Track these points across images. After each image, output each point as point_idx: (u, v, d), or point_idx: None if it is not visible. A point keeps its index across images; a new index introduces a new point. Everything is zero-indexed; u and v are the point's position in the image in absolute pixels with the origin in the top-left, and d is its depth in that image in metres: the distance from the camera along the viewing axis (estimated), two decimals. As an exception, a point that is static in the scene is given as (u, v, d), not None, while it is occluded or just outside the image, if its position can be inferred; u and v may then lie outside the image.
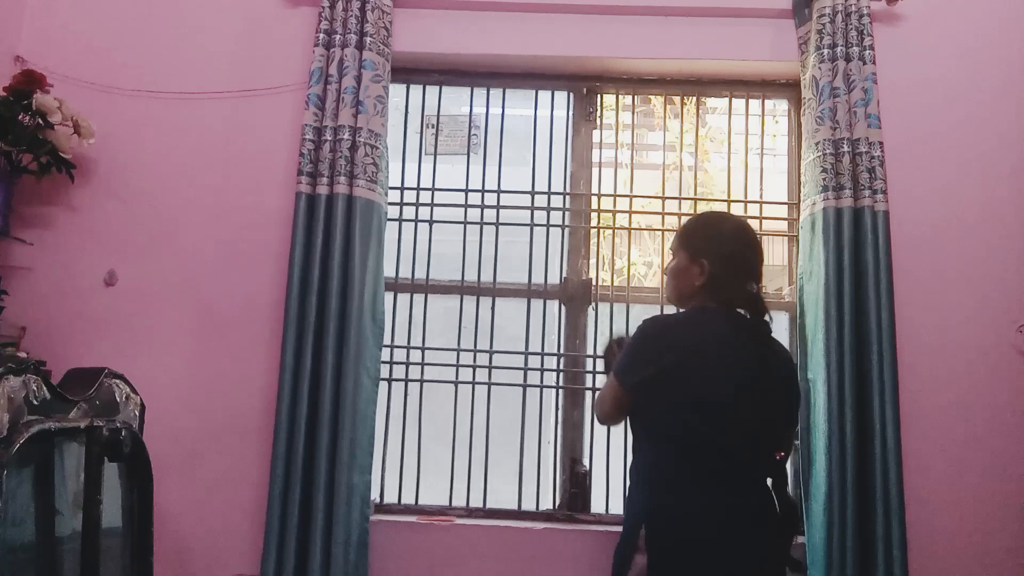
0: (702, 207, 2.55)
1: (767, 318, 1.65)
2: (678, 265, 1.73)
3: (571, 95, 2.54)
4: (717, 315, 1.65)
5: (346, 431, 2.09)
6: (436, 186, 2.49)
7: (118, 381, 1.79)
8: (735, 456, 1.59)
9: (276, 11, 2.44)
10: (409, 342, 2.42)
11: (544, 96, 2.55)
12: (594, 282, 2.43)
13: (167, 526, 2.13)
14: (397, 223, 2.47)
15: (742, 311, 1.66)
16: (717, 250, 1.66)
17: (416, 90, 2.56)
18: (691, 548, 1.55)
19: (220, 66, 2.42)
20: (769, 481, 1.66)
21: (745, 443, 1.59)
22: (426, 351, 2.41)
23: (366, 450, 2.15)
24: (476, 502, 2.33)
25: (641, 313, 2.56)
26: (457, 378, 2.40)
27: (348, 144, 2.22)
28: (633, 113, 2.59)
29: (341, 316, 2.14)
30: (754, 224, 2.47)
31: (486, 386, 2.39)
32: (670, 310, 2.43)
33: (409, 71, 2.52)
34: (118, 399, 1.77)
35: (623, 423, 1.82)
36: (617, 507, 2.30)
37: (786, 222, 2.48)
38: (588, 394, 2.37)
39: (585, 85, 2.53)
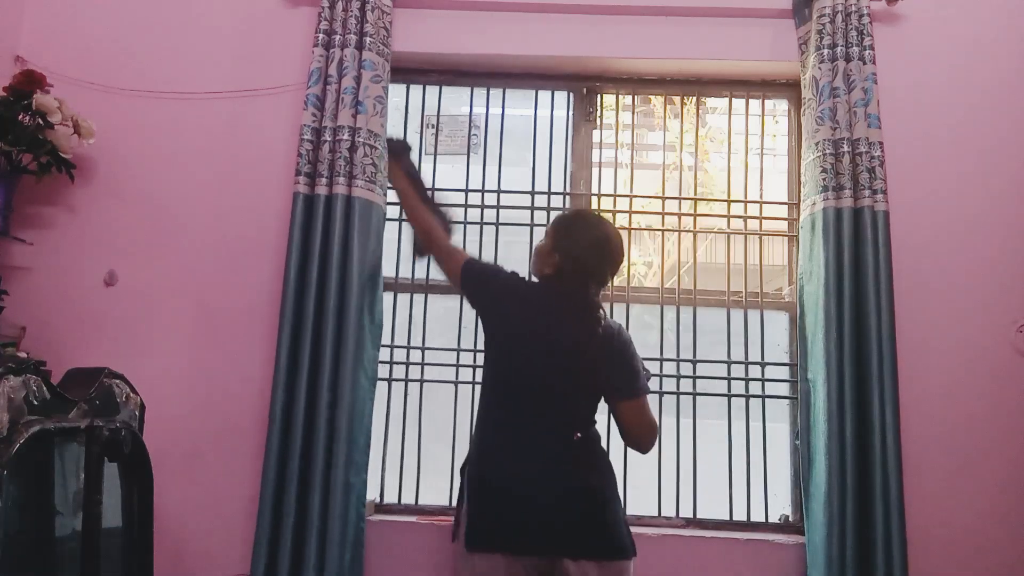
0: (702, 207, 2.55)
1: (599, 314, 1.80)
2: (541, 247, 1.88)
3: (571, 95, 2.55)
4: (554, 290, 1.83)
5: (343, 430, 2.09)
6: (436, 186, 2.49)
7: (118, 381, 1.79)
8: (530, 401, 1.74)
9: (276, 11, 2.44)
10: (409, 342, 2.42)
11: (544, 96, 2.55)
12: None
13: (167, 526, 2.12)
14: (397, 223, 2.47)
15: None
16: (572, 251, 1.81)
17: (416, 90, 2.56)
18: (488, 491, 1.72)
19: (220, 66, 2.42)
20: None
21: (540, 390, 1.74)
22: (426, 351, 2.41)
23: (363, 450, 2.15)
24: (476, 502, 2.33)
25: (641, 313, 2.57)
26: (457, 378, 2.40)
27: (347, 144, 2.22)
28: (633, 113, 2.59)
29: (339, 316, 2.14)
30: (753, 224, 2.48)
31: (486, 386, 2.39)
32: (684, 312, 2.44)
33: (409, 71, 2.52)
34: (118, 399, 1.77)
35: None
36: (617, 507, 2.30)
37: (786, 222, 2.48)
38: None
39: (585, 85, 2.53)
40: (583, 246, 1.81)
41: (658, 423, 1.86)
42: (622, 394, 1.80)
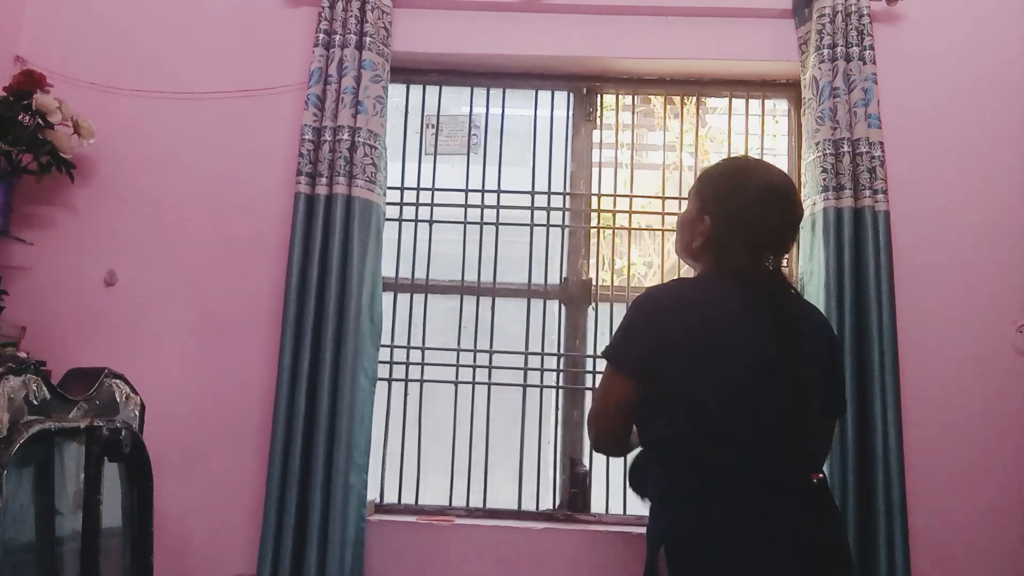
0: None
1: (793, 292, 1.38)
2: (686, 216, 1.47)
3: (571, 95, 2.54)
4: (724, 282, 1.36)
5: (343, 431, 2.09)
6: (436, 186, 2.49)
7: (118, 381, 1.79)
8: (757, 463, 1.26)
9: (276, 11, 2.44)
10: (409, 342, 2.42)
11: (544, 96, 2.55)
12: (594, 282, 2.43)
13: (167, 526, 2.13)
14: (397, 223, 2.47)
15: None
16: (725, 207, 1.37)
17: (416, 90, 2.56)
18: None
19: (220, 66, 2.42)
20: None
21: (769, 444, 1.26)
22: (426, 351, 2.41)
23: (363, 450, 2.15)
24: (476, 502, 2.33)
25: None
26: (457, 378, 2.40)
27: (347, 144, 2.22)
28: (633, 113, 2.59)
29: (339, 316, 2.14)
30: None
31: (486, 386, 2.39)
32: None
33: (409, 71, 2.52)
34: (118, 399, 1.77)
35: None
36: (617, 507, 2.30)
37: (786, 222, 2.47)
38: (588, 394, 2.37)
39: (585, 85, 2.53)
40: (742, 198, 1.36)
41: None
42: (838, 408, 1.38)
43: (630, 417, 1.38)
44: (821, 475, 1.30)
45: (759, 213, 1.36)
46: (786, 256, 1.46)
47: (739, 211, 1.38)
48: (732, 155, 1.93)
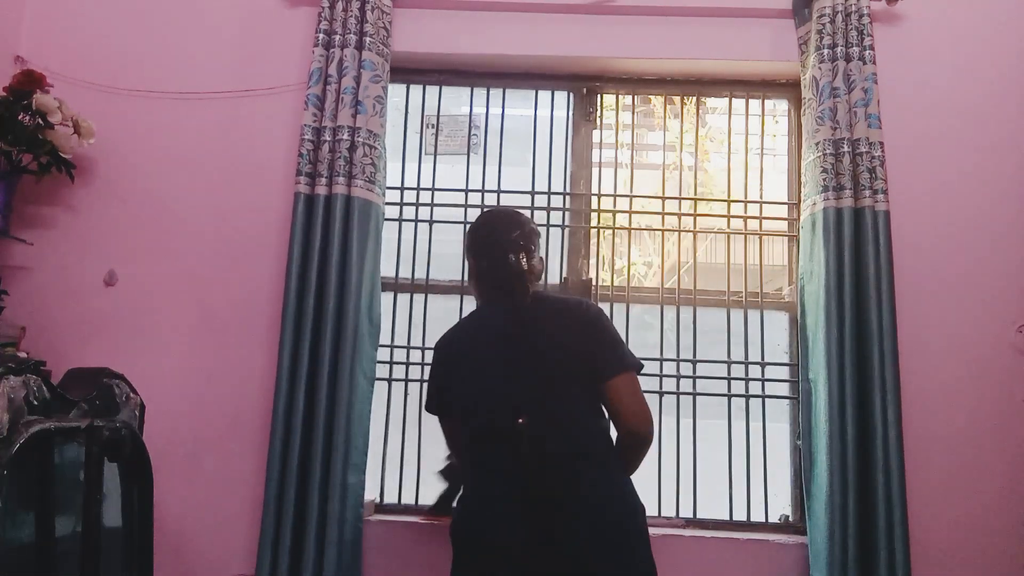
0: (702, 207, 2.55)
1: (519, 301, 1.67)
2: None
3: (571, 95, 2.54)
4: (478, 313, 1.78)
5: (341, 431, 2.09)
6: (436, 186, 2.49)
7: (118, 381, 1.79)
8: (499, 433, 1.59)
9: (276, 11, 2.44)
10: (409, 342, 2.42)
11: (544, 96, 2.55)
12: (594, 282, 2.43)
13: (167, 526, 2.13)
14: (397, 223, 2.47)
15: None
16: (466, 257, 1.78)
17: (416, 90, 2.56)
18: (461, 542, 1.60)
19: (220, 66, 2.42)
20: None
21: (505, 414, 1.59)
22: (426, 351, 2.41)
23: (361, 450, 2.15)
24: (476, 502, 2.33)
25: (641, 313, 2.57)
26: (457, 378, 2.40)
27: (347, 144, 2.22)
28: (633, 113, 2.59)
29: (338, 316, 2.14)
30: (753, 224, 2.48)
31: (486, 386, 2.38)
32: (684, 312, 2.43)
33: (409, 71, 2.52)
34: (118, 399, 1.77)
35: None
36: (617, 507, 2.30)
37: (786, 222, 2.48)
38: (588, 394, 2.36)
39: (585, 85, 2.53)
40: (470, 236, 1.81)
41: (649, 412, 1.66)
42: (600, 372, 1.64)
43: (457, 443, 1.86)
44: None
45: (473, 242, 1.79)
46: (521, 259, 1.73)
47: (470, 246, 1.80)
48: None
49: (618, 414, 1.63)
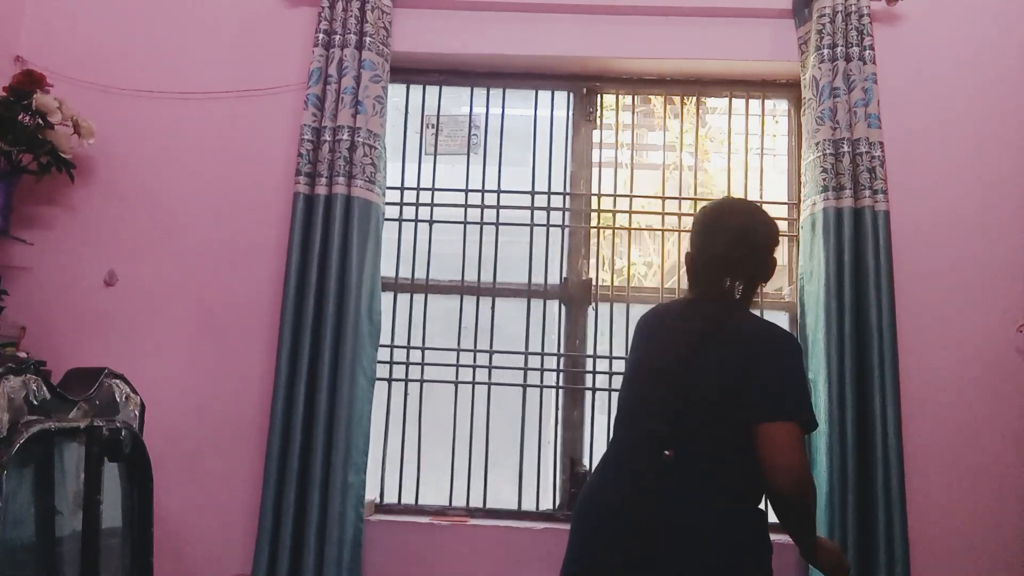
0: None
1: (727, 308, 1.52)
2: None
3: (571, 95, 2.54)
4: (680, 301, 1.64)
5: (341, 431, 2.09)
6: (436, 186, 2.49)
7: (118, 381, 1.79)
8: (641, 430, 1.48)
9: (276, 11, 2.44)
10: (409, 342, 2.42)
11: (544, 96, 2.55)
12: (594, 282, 2.43)
13: (167, 526, 2.13)
14: (397, 223, 2.47)
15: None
16: (692, 239, 1.60)
17: (416, 90, 2.56)
18: (574, 524, 1.53)
19: (220, 66, 2.42)
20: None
21: (653, 419, 1.46)
22: (426, 351, 2.41)
23: (361, 449, 2.15)
24: (476, 502, 2.33)
25: (640, 313, 2.56)
26: (457, 378, 2.40)
27: (347, 144, 2.22)
28: (633, 113, 2.59)
29: (338, 316, 2.15)
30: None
31: (486, 386, 2.39)
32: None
33: (409, 71, 2.52)
34: (118, 399, 1.77)
35: None
36: (617, 507, 2.30)
37: (786, 222, 2.47)
38: (588, 394, 2.37)
39: (585, 85, 2.53)
40: (697, 228, 1.60)
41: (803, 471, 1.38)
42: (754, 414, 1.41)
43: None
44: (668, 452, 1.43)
45: (706, 241, 1.58)
46: (754, 276, 1.58)
47: (698, 241, 1.60)
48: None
49: (763, 465, 1.38)
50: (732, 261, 1.54)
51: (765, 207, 2.45)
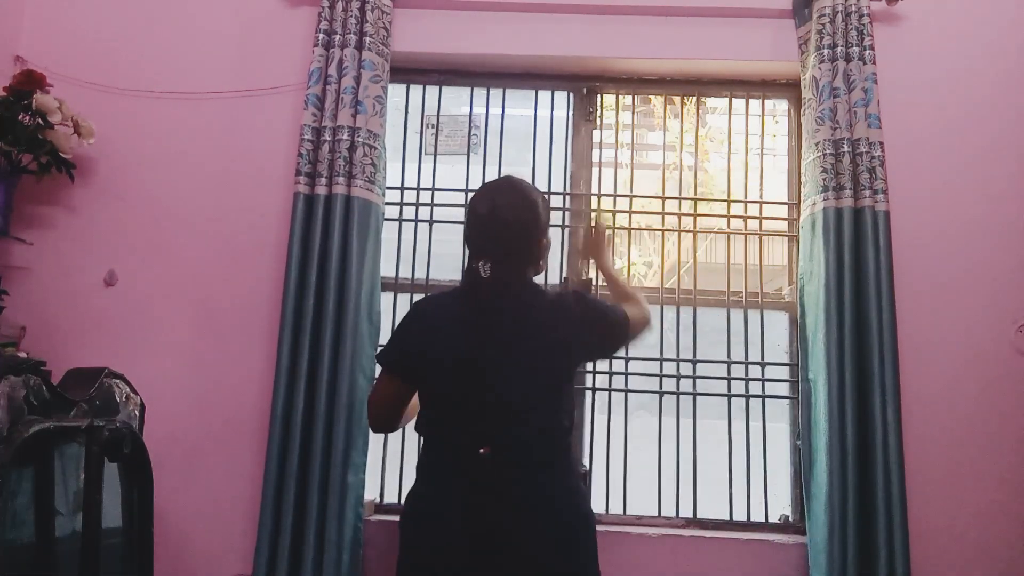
0: (702, 207, 2.55)
1: (492, 288, 1.58)
2: None
3: (571, 95, 2.54)
4: (462, 288, 1.66)
5: (341, 430, 2.09)
6: (436, 186, 2.49)
7: (118, 381, 1.79)
8: (457, 434, 1.57)
9: (276, 11, 2.45)
10: (409, 342, 2.41)
11: (544, 96, 2.55)
12: (594, 282, 2.43)
13: (167, 526, 2.13)
14: (397, 223, 2.47)
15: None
16: (472, 206, 1.67)
17: (416, 90, 2.56)
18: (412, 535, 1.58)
19: (220, 66, 2.42)
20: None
21: (469, 418, 1.55)
22: (426, 351, 2.41)
23: (361, 449, 2.15)
24: (476, 502, 2.33)
25: (641, 313, 2.56)
26: (457, 378, 2.40)
27: (347, 144, 2.22)
28: (633, 113, 2.59)
29: (338, 316, 2.14)
30: (753, 224, 2.48)
31: (486, 386, 2.38)
32: (684, 312, 2.43)
33: (409, 71, 2.52)
34: (118, 399, 1.77)
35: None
36: (617, 507, 2.30)
37: (786, 222, 2.48)
38: (588, 394, 2.37)
39: (585, 85, 2.53)
40: (468, 214, 1.68)
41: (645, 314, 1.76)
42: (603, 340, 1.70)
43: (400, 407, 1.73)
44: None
45: (470, 224, 1.66)
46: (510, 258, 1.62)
47: (467, 227, 1.68)
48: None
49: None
50: (486, 249, 1.63)
51: (765, 207, 2.49)
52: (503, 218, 1.60)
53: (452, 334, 1.60)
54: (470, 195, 2.47)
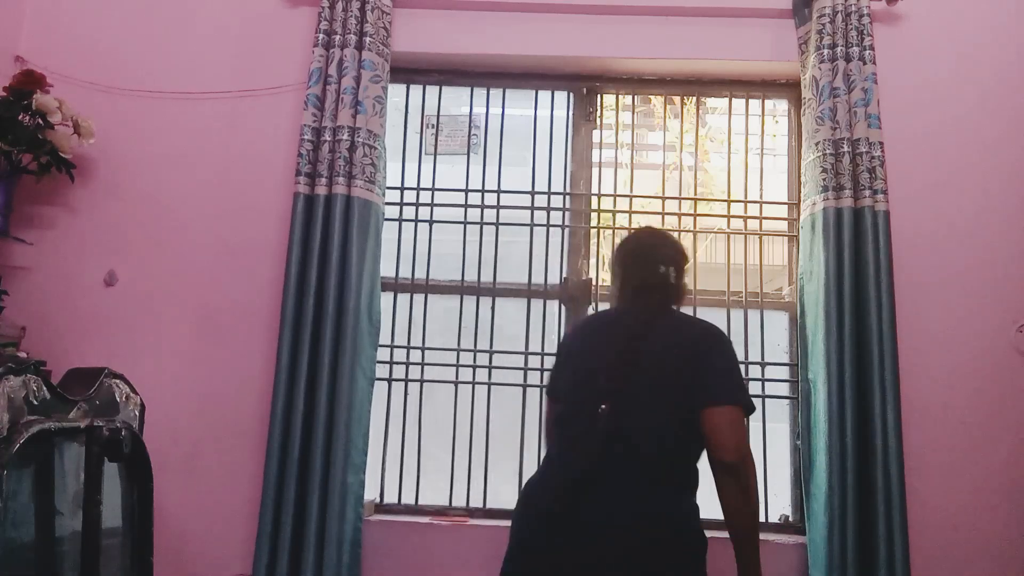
0: (702, 207, 2.55)
1: (652, 309, 1.70)
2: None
3: (571, 95, 2.54)
4: (607, 312, 1.86)
5: (341, 431, 2.09)
6: (436, 186, 2.49)
7: (118, 381, 1.79)
8: (580, 421, 1.61)
9: (276, 11, 2.45)
10: (409, 342, 2.42)
11: (544, 96, 2.55)
12: (594, 282, 2.43)
13: (167, 526, 2.13)
14: (397, 223, 2.47)
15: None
16: (613, 265, 1.85)
17: (416, 90, 2.56)
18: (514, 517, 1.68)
19: (220, 66, 2.42)
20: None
21: (591, 410, 1.58)
22: (426, 351, 2.41)
23: (361, 449, 2.15)
24: (476, 502, 2.33)
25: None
26: (457, 378, 2.40)
27: (347, 144, 2.22)
28: (633, 113, 2.59)
29: (338, 316, 2.14)
30: (753, 224, 2.48)
31: (486, 386, 2.39)
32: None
33: (409, 71, 2.52)
34: (118, 399, 1.77)
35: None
36: (617, 507, 2.30)
37: (786, 222, 2.48)
38: (588, 394, 2.36)
39: (585, 85, 2.53)
40: (616, 256, 1.85)
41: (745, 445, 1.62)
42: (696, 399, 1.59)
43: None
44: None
45: (622, 263, 1.82)
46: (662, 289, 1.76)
47: (616, 264, 1.85)
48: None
49: (708, 443, 1.58)
50: (636, 280, 1.77)
51: (765, 207, 2.49)
52: (659, 255, 1.78)
53: (590, 343, 1.74)
54: (470, 195, 2.48)
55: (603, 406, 1.56)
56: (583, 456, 1.56)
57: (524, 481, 1.80)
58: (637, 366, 1.60)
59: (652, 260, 1.77)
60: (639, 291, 1.75)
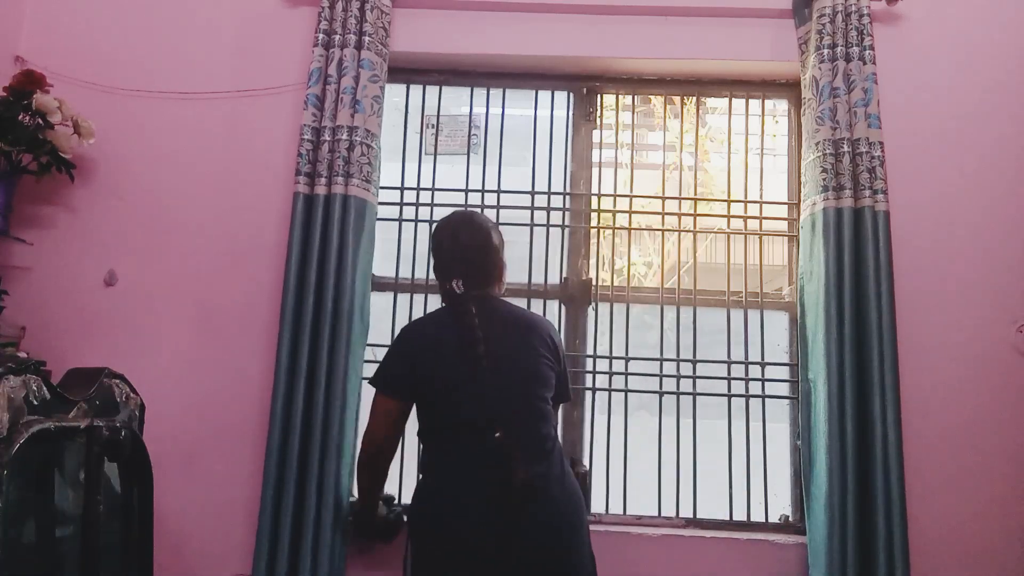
0: (702, 207, 2.55)
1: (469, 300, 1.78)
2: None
3: (571, 95, 2.55)
4: (446, 310, 1.86)
5: (339, 431, 2.09)
6: (436, 186, 2.49)
7: (118, 381, 1.79)
8: (468, 429, 1.71)
9: (276, 11, 2.45)
10: (409, 342, 2.41)
11: (544, 96, 2.55)
12: (594, 282, 2.43)
13: (167, 526, 2.13)
14: (397, 223, 2.47)
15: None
16: (432, 252, 1.92)
17: (416, 90, 2.56)
18: (432, 527, 1.70)
19: (220, 66, 2.42)
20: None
21: (476, 413, 1.70)
22: (426, 351, 2.41)
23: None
24: (476, 502, 2.33)
25: (640, 313, 2.57)
26: (457, 378, 2.40)
27: (346, 144, 2.22)
28: (633, 113, 2.59)
29: (335, 315, 2.14)
30: (753, 224, 2.48)
31: (486, 386, 2.38)
32: (684, 312, 2.43)
33: (409, 71, 2.52)
34: (118, 399, 1.77)
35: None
36: (617, 507, 2.30)
37: (786, 222, 2.48)
38: (588, 394, 2.37)
39: (585, 85, 2.53)
40: (434, 240, 1.92)
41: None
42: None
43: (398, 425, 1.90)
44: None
45: (439, 249, 1.90)
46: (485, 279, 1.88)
47: (434, 251, 1.92)
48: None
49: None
50: (456, 269, 1.85)
51: (765, 207, 2.49)
52: (465, 243, 1.86)
53: (442, 342, 1.78)
54: (470, 195, 2.48)
55: (497, 433, 1.67)
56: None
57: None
58: (509, 368, 1.75)
59: (475, 243, 1.86)
60: (468, 278, 1.83)
